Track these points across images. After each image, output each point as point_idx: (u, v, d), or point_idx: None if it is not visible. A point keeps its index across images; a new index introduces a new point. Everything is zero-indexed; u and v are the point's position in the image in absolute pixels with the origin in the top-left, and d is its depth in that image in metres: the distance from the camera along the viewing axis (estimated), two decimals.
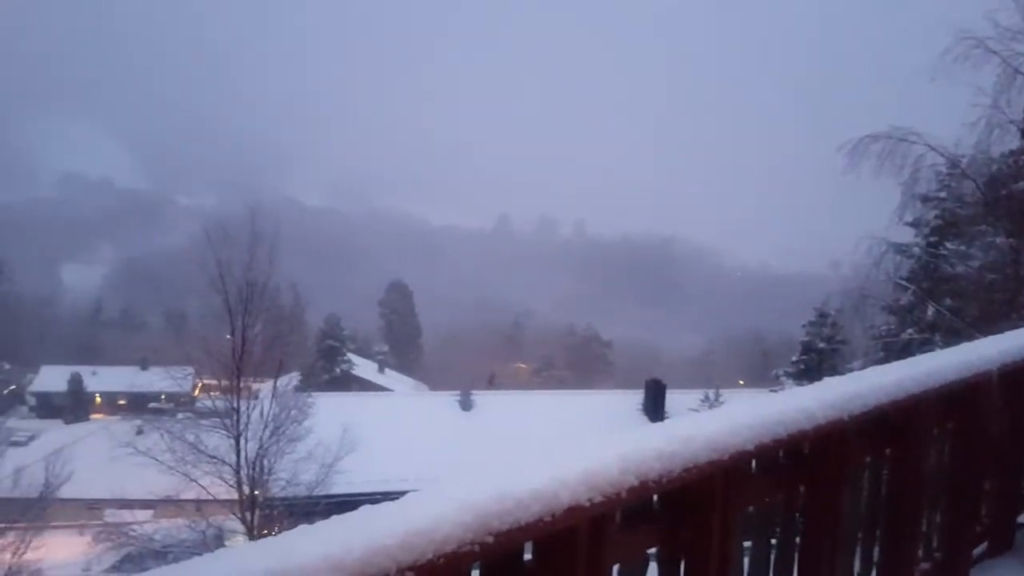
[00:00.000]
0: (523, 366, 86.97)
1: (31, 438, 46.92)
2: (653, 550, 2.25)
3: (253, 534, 18.31)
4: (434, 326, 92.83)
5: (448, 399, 38.33)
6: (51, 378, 70.88)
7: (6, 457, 21.54)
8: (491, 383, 61.21)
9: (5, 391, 69.78)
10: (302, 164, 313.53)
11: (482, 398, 38.29)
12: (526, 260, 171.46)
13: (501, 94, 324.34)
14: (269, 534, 20.25)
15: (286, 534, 1.76)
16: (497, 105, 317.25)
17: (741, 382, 61.00)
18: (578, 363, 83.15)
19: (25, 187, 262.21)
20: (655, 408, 36.69)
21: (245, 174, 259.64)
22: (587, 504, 1.77)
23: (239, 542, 19.98)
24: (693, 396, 38.33)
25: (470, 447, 30.36)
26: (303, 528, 1.80)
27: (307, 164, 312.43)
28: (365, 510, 1.87)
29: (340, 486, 20.39)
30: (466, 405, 36.77)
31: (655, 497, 2.14)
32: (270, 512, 18.96)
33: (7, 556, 17.55)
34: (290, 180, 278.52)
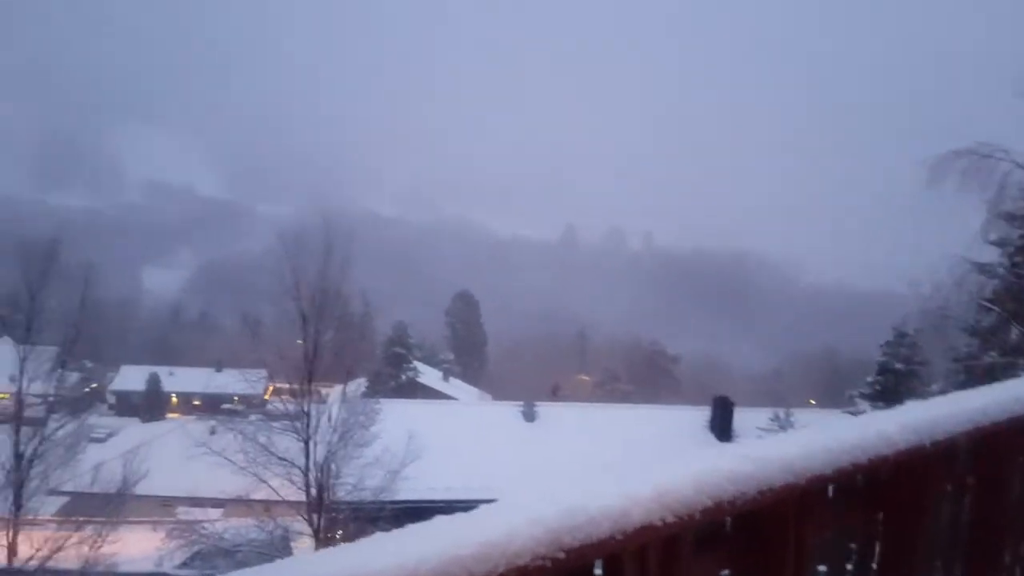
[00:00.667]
0: (586, 378, 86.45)
1: (110, 435, 48.51)
2: (725, 572, 2.22)
3: (319, 537, 18.63)
4: (499, 336, 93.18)
5: (512, 409, 38.35)
6: (130, 377, 73.55)
7: (86, 453, 22.37)
8: (554, 394, 61.00)
9: (86, 389, 72.66)
10: (376, 174, 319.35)
11: (545, 409, 38.20)
12: (592, 271, 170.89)
13: (570, 104, 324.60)
14: (335, 537, 20.62)
15: (361, 542, 1.80)
16: (566, 114, 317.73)
17: (812, 402, 59.42)
18: (643, 377, 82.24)
19: (113, 194, 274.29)
20: (722, 426, 35.98)
21: (322, 184, 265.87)
22: (659, 524, 1.74)
23: (305, 544, 20.36)
24: (762, 415, 37.51)
25: (534, 458, 30.33)
26: (377, 536, 1.83)
27: (381, 174, 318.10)
28: (439, 520, 1.89)
29: (404, 492, 20.59)
30: (529, 416, 36.74)
31: (727, 519, 2.11)
32: (336, 515, 19.26)
33: (84, 549, 18.14)
34: (364, 190, 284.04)
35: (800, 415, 37.11)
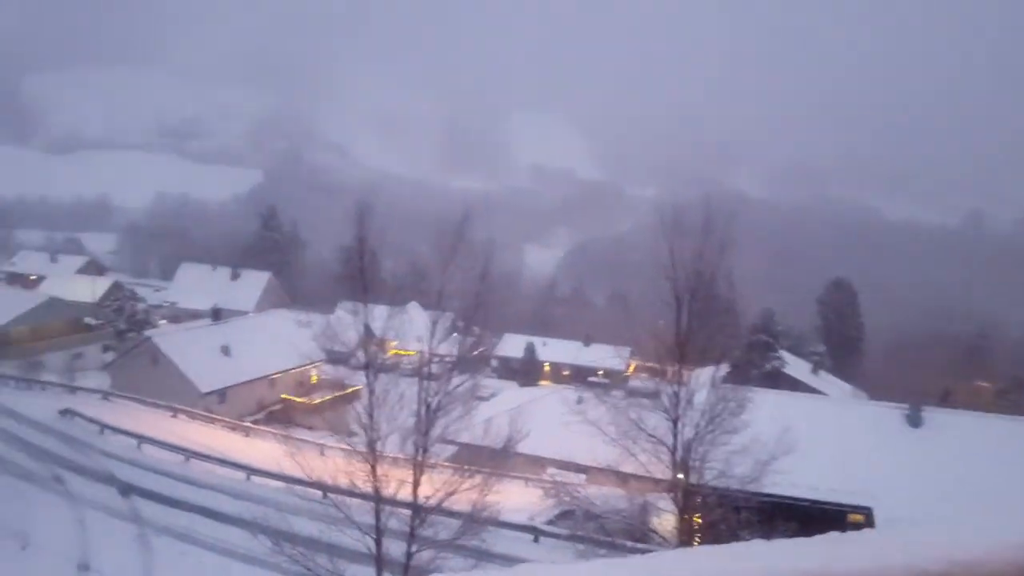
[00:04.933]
0: (986, 385, 75.61)
1: (492, 395, 53.56)
2: None
3: (683, 517, 18.77)
4: (879, 330, 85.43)
5: (892, 412, 34.93)
6: (511, 345, 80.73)
7: (476, 411, 24.97)
8: (945, 400, 54.26)
9: (474, 353, 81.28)
10: (747, 154, 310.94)
11: (935, 415, 34.16)
12: (999, 265, 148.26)
13: (981, 75, 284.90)
14: (696, 518, 20.63)
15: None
16: (978, 86, 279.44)
17: None
18: None
19: (503, 177, 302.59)
20: None
21: (691, 165, 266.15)
22: None
23: (667, 522, 20.67)
24: None
25: (919, 469, 27.41)
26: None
27: (752, 154, 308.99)
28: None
29: (768, 486, 19.88)
30: (915, 421, 33.13)
31: None
32: (702, 498, 19.24)
33: (473, 495, 20.22)
34: (735, 170, 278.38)
35: None
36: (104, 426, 44.57)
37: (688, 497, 19.12)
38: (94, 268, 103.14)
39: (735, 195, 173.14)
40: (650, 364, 22.26)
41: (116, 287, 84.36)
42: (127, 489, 35.85)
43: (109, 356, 64.54)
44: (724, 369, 25.70)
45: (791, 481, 22.18)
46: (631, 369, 74.26)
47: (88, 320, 73.61)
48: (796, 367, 61.99)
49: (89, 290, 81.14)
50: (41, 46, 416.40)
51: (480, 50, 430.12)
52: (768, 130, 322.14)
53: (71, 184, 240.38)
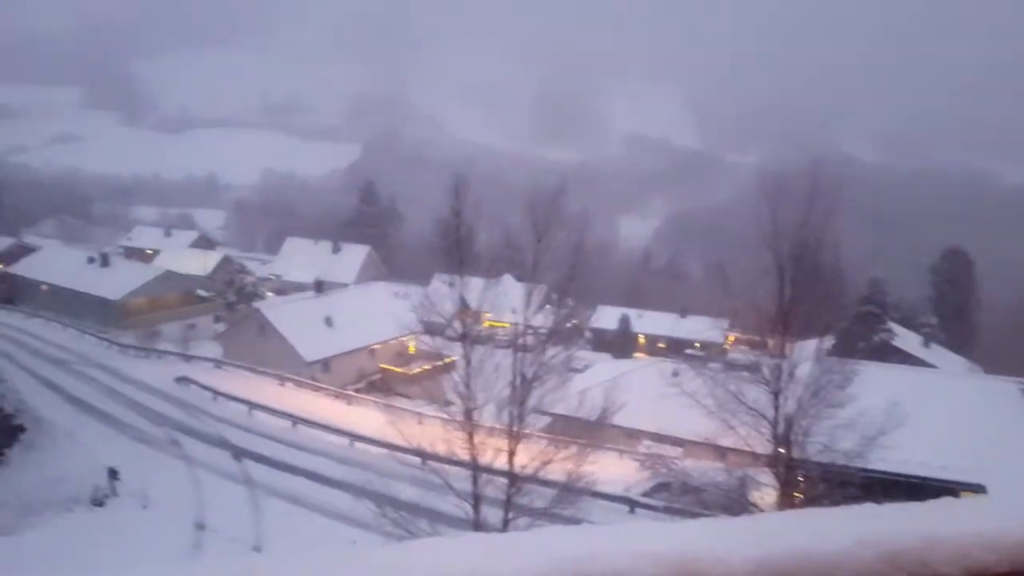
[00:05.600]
0: None
1: (586, 367, 53.48)
2: None
3: (783, 491, 18.34)
4: (996, 302, 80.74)
5: (1009, 386, 33.19)
6: (605, 317, 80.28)
7: (570, 382, 24.98)
8: None
9: (568, 325, 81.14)
10: (856, 118, 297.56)
11: None
12: None
13: None
14: (797, 493, 20.12)
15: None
16: None
17: None
18: None
19: (598, 146, 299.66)
20: None
21: (794, 130, 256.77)
22: None
23: (767, 496, 20.25)
24: None
25: None
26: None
27: (861, 118, 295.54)
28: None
29: (875, 462, 19.17)
30: None
31: None
32: (804, 473, 18.74)
33: (568, 465, 20.32)
34: (842, 135, 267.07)
35: None
36: (217, 393, 46.86)
37: (789, 471, 18.65)
38: (205, 242, 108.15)
39: (843, 160, 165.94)
40: (750, 336, 21.68)
41: (226, 261, 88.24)
42: (239, 453, 37.66)
43: (220, 326, 67.63)
44: (829, 341, 24.86)
45: (899, 457, 21.31)
46: (729, 341, 72.78)
47: (200, 292, 77.34)
48: (906, 339, 59.39)
49: (201, 263, 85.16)
50: (153, 31, 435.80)
51: (576, 20, 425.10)
52: (879, 93, 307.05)
53: (182, 162, 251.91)
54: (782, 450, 18.50)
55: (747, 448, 18.84)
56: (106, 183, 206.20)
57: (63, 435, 39.54)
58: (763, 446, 18.72)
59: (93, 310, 70.60)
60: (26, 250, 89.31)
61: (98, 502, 31.84)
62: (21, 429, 41.07)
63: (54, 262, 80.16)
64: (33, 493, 32.73)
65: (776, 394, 18.14)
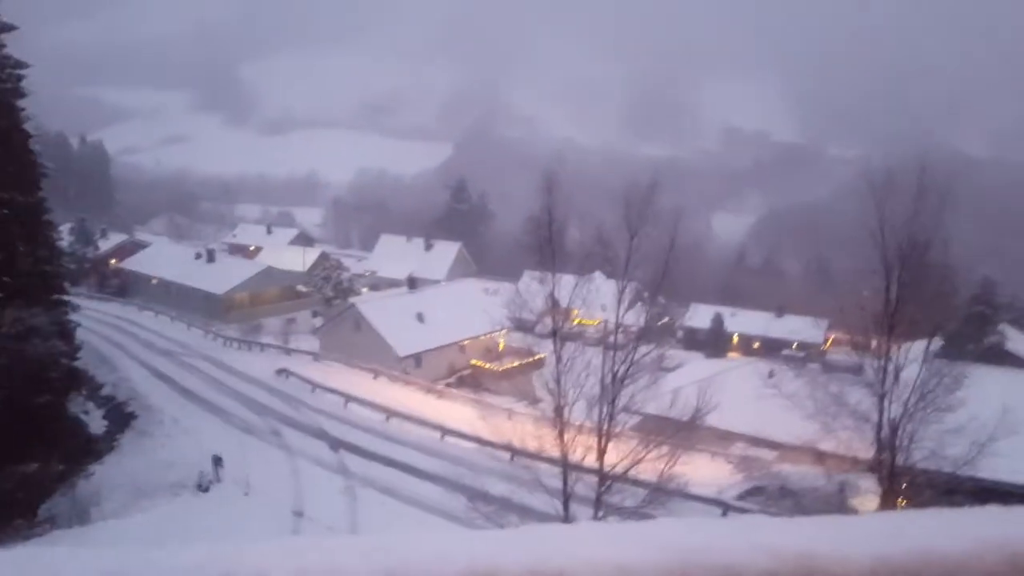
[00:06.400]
0: None
1: (677, 366, 52.64)
2: None
3: (886, 498, 17.62)
4: None
5: None
6: (697, 315, 78.84)
7: (661, 381, 24.61)
8: None
9: (659, 323, 79.91)
10: (967, 113, 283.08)
11: None
12: None
13: None
14: (900, 500, 19.28)
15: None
16: None
17: None
18: None
19: (692, 141, 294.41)
20: None
21: (900, 124, 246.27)
22: None
23: (870, 501, 19.47)
24: None
25: None
26: None
27: (973, 113, 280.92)
28: None
29: (985, 470, 18.20)
30: None
31: None
32: (908, 480, 17.96)
33: (659, 465, 20.07)
34: (952, 130, 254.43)
35: None
36: (315, 385, 48.32)
37: (893, 477, 17.89)
38: (304, 239, 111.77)
39: (952, 155, 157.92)
40: (853, 336, 20.87)
41: (323, 257, 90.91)
42: (336, 443, 38.75)
43: (318, 321, 69.68)
44: (937, 343, 23.72)
45: (1012, 466, 20.19)
46: (828, 342, 70.37)
47: (299, 287, 79.93)
48: (1019, 342, 56.14)
49: (300, 260, 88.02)
50: (257, 34, 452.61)
51: (670, 13, 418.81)
52: (992, 86, 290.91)
53: (284, 162, 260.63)
54: (886, 455, 17.76)
55: (848, 452, 18.17)
56: (212, 182, 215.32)
57: (171, 423, 41.54)
58: (865, 451, 18.02)
59: (199, 304, 73.97)
60: (138, 246, 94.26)
61: (203, 488, 33.25)
62: (133, 416, 43.44)
63: (164, 258, 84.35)
64: (143, 478, 34.49)
65: (881, 397, 17.43)
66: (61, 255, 49.30)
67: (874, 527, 1.28)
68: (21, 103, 41.36)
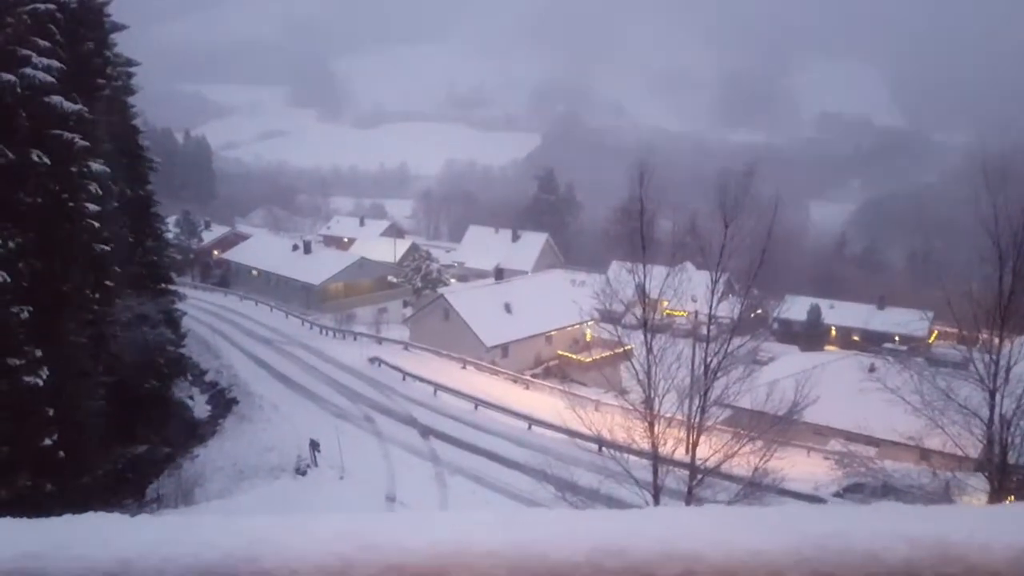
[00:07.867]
0: None
1: (771, 359, 51.38)
2: None
3: (995, 497, 16.77)
4: None
5: None
6: (793, 307, 76.52)
7: (755, 374, 23.95)
8: None
9: (752, 315, 77.71)
10: None
11: None
12: None
13: None
14: (1010, 499, 18.28)
15: None
16: None
17: None
18: None
19: (788, 128, 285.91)
20: None
21: (1011, 109, 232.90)
22: None
23: (977, 500, 18.57)
24: None
25: None
26: None
27: None
28: None
29: None
30: None
31: None
32: (1020, 478, 17.03)
33: (754, 460, 19.58)
34: None
35: None
36: (406, 373, 49.26)
37: (1004, 476, 16.99)
38: (395, 231, 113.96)
39: None
40: (961, 329, 19.90)
41: (413, 248, 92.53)
42: (426, 431, 39.46)
43: (408, 311, 71.01)
44: None
45: None
46: (933, 336, 67.37)
47: (391, 278, 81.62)
48: None
49: (391, 251, 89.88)
50: (350, 30, 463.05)
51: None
52: None
53: (376, 155, 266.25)
54: (996, 452, 16.89)
55: (955, 449, 17.35)
56: (308, 175, 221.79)
57: (271, 408, 43.09)
58: (974, 448, 17.18)
59: (296, 293, 76.47)
60: (239, 238, 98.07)
61: (301, 471, 34.41)
62: (234, 402, 45.28)
63: (263, 249, 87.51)
64: (245, 460, 35.93)
65: (992, 392, 16.57)
66: (168, 246, 51.78)
67: (1014, 517, 1.22)
68: (131, 100, 43.56)
